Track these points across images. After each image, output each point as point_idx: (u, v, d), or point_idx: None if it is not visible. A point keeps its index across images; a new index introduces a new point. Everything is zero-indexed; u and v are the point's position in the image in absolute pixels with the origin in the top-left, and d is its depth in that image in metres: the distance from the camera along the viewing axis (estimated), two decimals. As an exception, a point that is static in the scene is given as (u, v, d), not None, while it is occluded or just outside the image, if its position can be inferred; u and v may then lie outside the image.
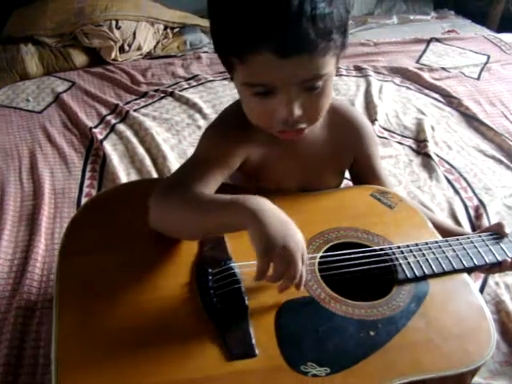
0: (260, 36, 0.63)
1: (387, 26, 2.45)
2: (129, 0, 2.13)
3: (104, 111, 1.79)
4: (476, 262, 0.85)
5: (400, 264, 0.82)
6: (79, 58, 2.05)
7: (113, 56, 2.05)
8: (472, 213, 1.39)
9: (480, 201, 1.42)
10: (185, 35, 2.24)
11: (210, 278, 0.78)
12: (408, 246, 0.85)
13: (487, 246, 0.88)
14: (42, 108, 1.83)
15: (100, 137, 1.64)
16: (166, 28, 2.24)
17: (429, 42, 2.26)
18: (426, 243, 0.86)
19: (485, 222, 1.34)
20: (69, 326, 0.70)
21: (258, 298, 0.76)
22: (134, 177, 1.50)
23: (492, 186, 1.48)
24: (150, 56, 2.14)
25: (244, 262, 0.79)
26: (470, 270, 0.86)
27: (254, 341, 0.70)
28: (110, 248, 0.81)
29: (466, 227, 1.34)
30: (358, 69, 2.01)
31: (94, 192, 1.46)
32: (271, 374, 0.68)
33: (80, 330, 0.70)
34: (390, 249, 0.85)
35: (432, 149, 1.60)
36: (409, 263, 0.82)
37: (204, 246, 0.82)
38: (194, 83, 1.93)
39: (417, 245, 0.86)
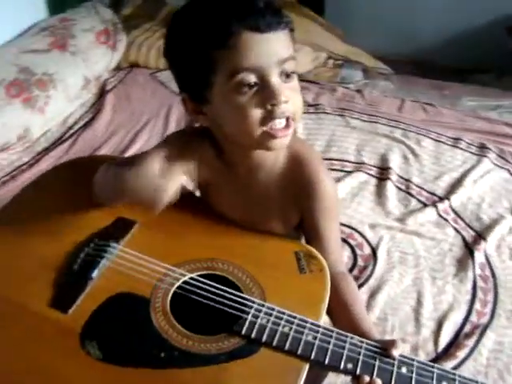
0: (235, 19, 0.75)
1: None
2: (300, 26, 2.31)
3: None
4: (326, 361, 0.72)
5: (246, 319, 0.77)
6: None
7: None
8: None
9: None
10: (342, 69, 2.32)
11: (92, 245, 0.88)
12: (273, 309, 0.78)
13: (359, 354, 0.73)
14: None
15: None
16: (329, 58, 2.35)
17: None
18: (295, 317, 0.77)
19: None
20: None
21: (107, 278, 0.83)
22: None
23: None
24: (300, 78, 2.27)
25: (130, 250, 0.87)
26: (318, 365, 0.74)
27: (75, 303, 0.79)
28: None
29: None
30: (481, 147, 1.81)
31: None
32: (62, 332, 0.76)
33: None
34: (253, 302, 0.79)
35: (487, 250, 1.39)
36: (254, 322, 0.76)
37: (115, 221, 0.92)
38: (311, 110, 2.01)
39: (283, 313, 0.77)
